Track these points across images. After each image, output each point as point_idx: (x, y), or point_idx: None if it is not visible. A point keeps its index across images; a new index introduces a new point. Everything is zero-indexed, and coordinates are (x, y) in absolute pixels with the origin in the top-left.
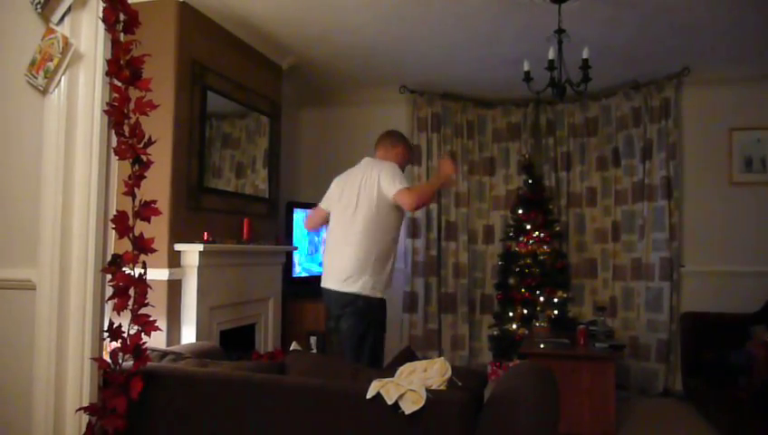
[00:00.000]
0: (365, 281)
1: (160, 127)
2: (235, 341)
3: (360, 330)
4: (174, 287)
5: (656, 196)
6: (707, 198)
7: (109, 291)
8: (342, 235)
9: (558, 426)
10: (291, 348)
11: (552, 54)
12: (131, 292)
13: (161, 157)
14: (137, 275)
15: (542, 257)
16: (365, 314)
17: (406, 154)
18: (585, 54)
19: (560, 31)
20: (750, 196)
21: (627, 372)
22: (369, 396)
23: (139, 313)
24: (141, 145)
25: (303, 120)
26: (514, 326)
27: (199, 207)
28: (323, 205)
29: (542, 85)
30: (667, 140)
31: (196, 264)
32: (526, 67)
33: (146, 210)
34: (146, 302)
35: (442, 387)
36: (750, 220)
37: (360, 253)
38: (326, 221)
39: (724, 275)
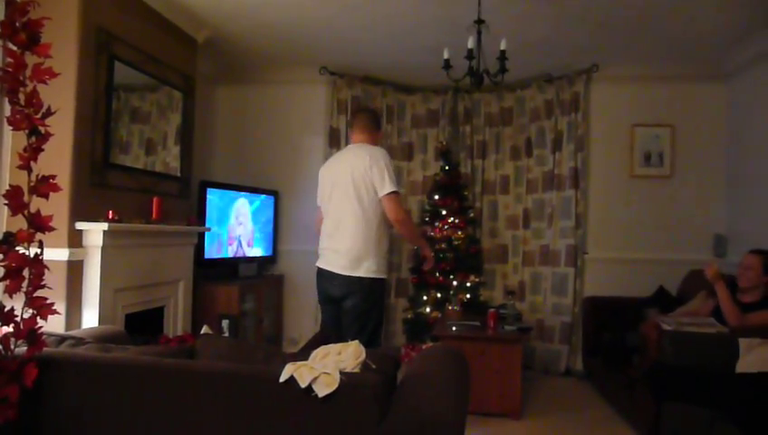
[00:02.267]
0: (369, 264)
1: (61, 97)
2: (143, 325)
3: (365, 308)
4: (75, 268)
5: (564, 185)
6: (610, 189)
7: (0, 272)
8: (341, 221)
9: (467, 405)
10: (201, 332)
11: (471, 44)
12: (26, 273)
13: (62, 129)
14: (32, 256)
15: (456, 243)
16: (369, 294)
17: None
18: (503, 46)
19: (479, 21)
20: (648, 188)
21: (533, 353)
22: (282, 379)
23: (35, 295)
24: (39, 115)
25: (219, 96)
26: (428, 310)
27: (104, 185)
28: (319, 202)
29: (460, 74)
30: (575, 132)
31: (100, 244)
32: (446, 55)
33: (43, 186)
34: (42, 283)
35: (356, 370)
36: (647, 211)
37: (360, 239)
38: None
39: (622, 262)
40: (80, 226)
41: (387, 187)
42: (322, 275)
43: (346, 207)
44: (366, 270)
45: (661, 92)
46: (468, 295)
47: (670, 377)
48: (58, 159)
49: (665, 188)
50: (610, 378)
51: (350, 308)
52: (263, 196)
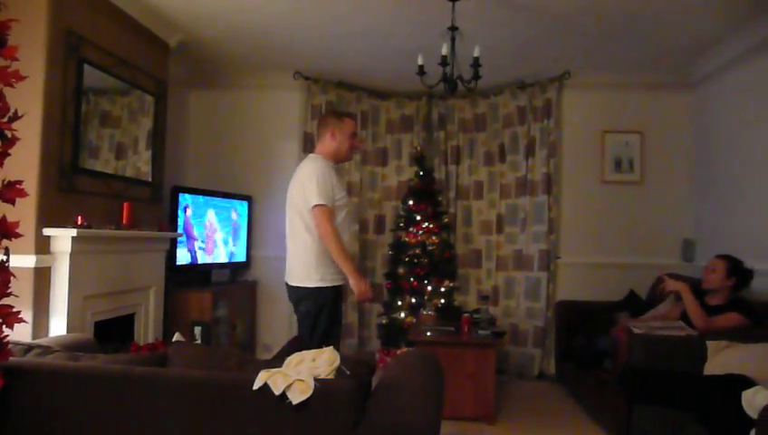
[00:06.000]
0: (311, 275)
1: (29, 100)
2: (113, 332)
3: (313, 314)
4: (42, 275)
5: (537, 191)
6: (581, 194)
7: None
8: (290, 233)
9: (442, 410)
10: (173, 339)
11: (445, 50)
12: None
13: (29, 133)
14: None
15: (430, 248)
16: (316, 301)
17: (342, 132)
18: (476, 53)
19: (453, 28)
20: (618, 194)
21: (506, 357)
22: (255, 387)
23: (0, 303)
24: (6, 119)
25: (192, 101)
26: (403, 315)
27: (73, 190)
28: None
29: (434, 80)
30: (548, 138)
31: (68, 250)
32: (420, 61)
33: (10, 191)
34: (9, 291)
35: (330, 376)
36: (617, 216)
37: (302, 251)
38: None
39: (594, 267)
40: (47, 232)
41: (313, 199)
42: (287, 286)
43: (294, 220)
44: (310, 280)
45: (631, 100)
46: (443, 300)
47: (641, 380)
48: (25, 163)
49: (635, 193)
50: (582, 381)
51: (300, 314)
52: (236, 201)
